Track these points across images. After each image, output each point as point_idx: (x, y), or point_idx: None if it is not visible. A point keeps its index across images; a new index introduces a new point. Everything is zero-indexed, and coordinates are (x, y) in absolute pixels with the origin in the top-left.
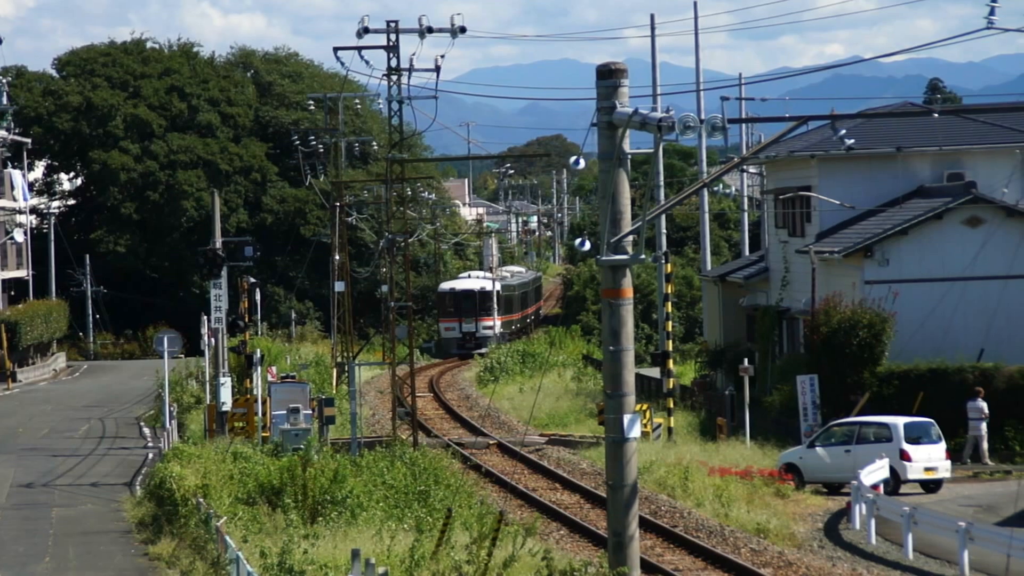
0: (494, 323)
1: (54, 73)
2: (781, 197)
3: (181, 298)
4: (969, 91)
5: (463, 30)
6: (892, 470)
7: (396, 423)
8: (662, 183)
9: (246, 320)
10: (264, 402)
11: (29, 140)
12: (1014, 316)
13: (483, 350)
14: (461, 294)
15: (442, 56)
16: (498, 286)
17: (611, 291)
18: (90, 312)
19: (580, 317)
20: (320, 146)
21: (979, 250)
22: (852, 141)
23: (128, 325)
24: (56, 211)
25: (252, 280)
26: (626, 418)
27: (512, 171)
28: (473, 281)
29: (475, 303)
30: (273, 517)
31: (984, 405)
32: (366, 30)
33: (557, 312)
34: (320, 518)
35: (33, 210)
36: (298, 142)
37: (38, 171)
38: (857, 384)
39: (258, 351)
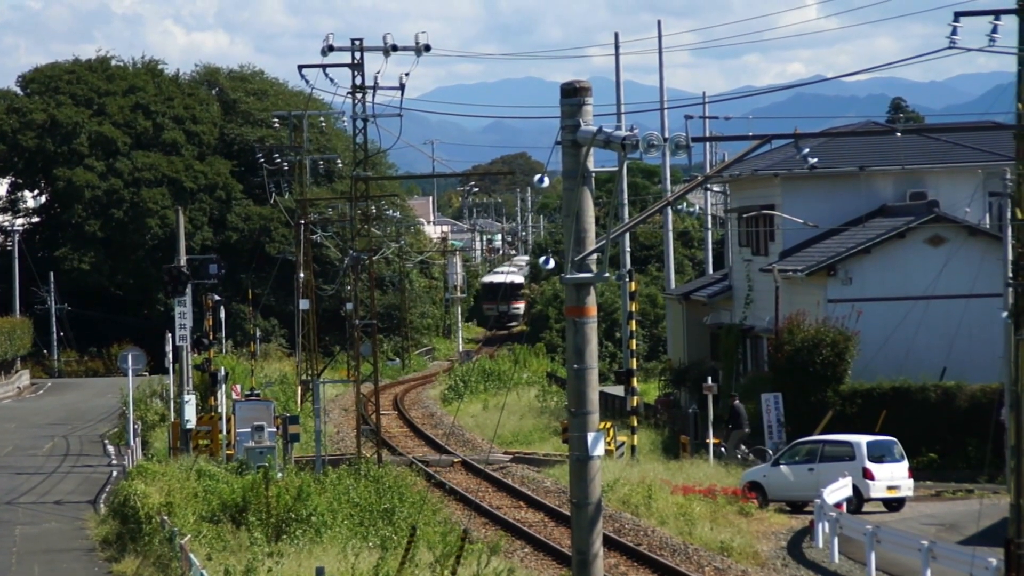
0: (520, 305)
1: (18, 90)
2: (745, 216)
3: (146, 316)
4: (931, 110)
5: (428, 48)
6: (855, 488)
7: (361, 441)
8: (626, 201)
9: (211, 338)
10: (228, 420)
11: None
12: (976, 335)
13: (512, 324)
14: (497, 285)
15: (406, 74)
16: (519, 278)
17: (575, 309)
18: (54, 329)
19: (543, 335)
20: (285, 164)
21: (941, 269)
22: (815, 160)
23: (92, 343)
24: (20, 228)
25: (217, 298)
26: (590, 436)
27: (476, 189)
28: (504, 275)
29: (505, 291)
30: (237, 535)
31: None
32: (331, 48)
33: (522, 330)
34: (284, 536)
35: None
36: (263, 160)
37: (2, 188)
38: (822, 402)
39: (222, 369)
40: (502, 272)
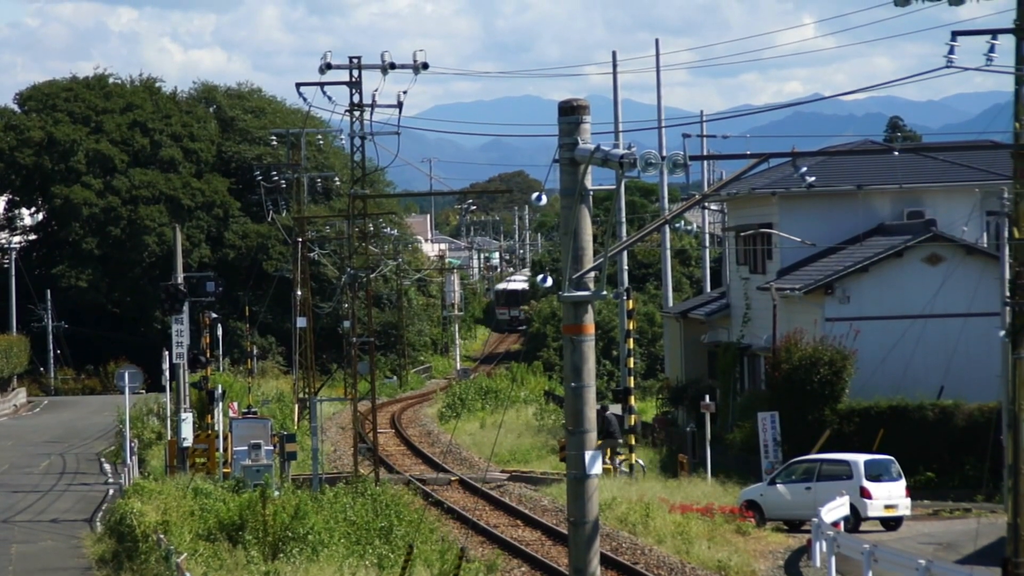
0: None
1: (15, 108)
2: (742, 234)
3: (142, 333)
4: (929, 129)
5: (425, 66)
6: (852, 507)
7: (358, 459)
8: (624, 219)
9: (208, 356)
10: (225, 438)
11: None
12: (974, 354)
13: (522, 327)
14: (509, 292)
15: (404, 92)
16: (527, 286)
17: (573, 327)
18: (51, 347)
19: (541, 353)
20: (282, 181)
21: (939, 288)
22: (813, 179)
23: (89, 360)
24: (17, 246)
25: (214, 315)
26: (587, 455)
27: (474, 207)
28: (516, 283)
29: (517, 297)
30: (234, 553)
31: None
32: (329, 66)
33: (519, 348)
34: (281, 554)
35: None
36: (260, 177)
37: None
38: (819, 421)
39: (219, 387)
40: (515, 280)
